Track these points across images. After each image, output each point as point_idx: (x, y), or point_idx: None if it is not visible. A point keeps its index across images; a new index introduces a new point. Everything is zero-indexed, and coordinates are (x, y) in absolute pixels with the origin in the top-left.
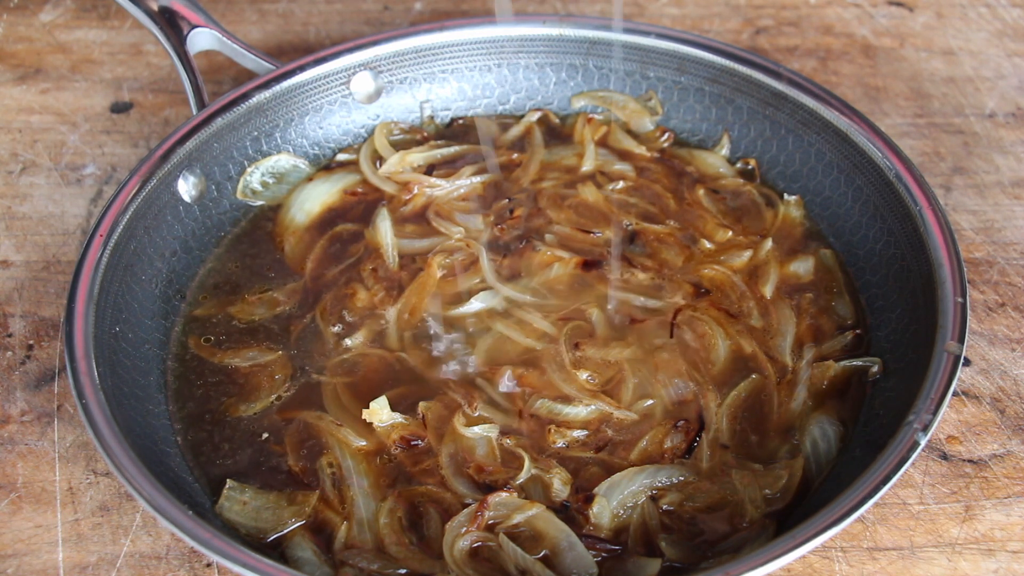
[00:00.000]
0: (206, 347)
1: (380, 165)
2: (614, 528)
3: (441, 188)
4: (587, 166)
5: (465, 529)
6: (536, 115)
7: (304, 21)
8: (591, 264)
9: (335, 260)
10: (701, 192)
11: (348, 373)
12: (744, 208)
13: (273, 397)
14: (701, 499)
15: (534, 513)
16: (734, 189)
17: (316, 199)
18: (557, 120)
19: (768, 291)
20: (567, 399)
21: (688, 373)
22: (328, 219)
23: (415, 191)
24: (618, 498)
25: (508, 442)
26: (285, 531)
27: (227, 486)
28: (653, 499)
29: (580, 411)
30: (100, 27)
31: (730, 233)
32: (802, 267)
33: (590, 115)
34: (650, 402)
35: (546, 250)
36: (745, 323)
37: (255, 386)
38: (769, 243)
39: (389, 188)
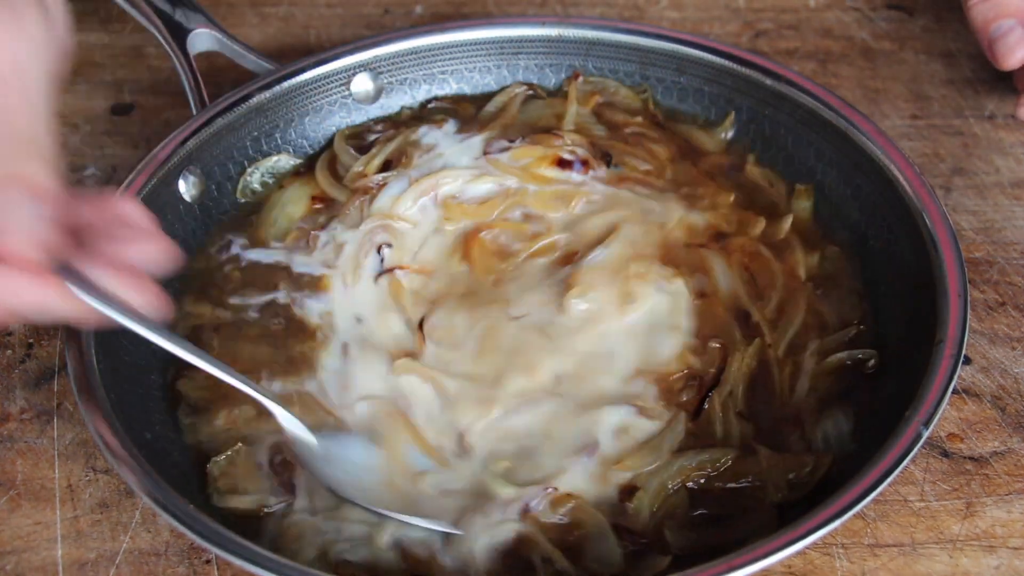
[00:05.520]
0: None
1: (344, 171)
2: (648, 519)
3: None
4: (567, 127)
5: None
6: (522, 87)
7: (305, 24)
8: (566, 163)
9: None
10: (704, 166)
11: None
12: (749, 186)
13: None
14: (727, 475)
15: (573, 505)
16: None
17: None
18: (545, 95)
19: (801, 272)
20: None
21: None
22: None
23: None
24: (655, 488)
25: None
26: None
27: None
28: (682, 483)
29: None
30: (101, 30)
31: (732, 196)
32: (808, 260)
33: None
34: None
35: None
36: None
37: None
38: (790, 219)
39: (343, 196)
